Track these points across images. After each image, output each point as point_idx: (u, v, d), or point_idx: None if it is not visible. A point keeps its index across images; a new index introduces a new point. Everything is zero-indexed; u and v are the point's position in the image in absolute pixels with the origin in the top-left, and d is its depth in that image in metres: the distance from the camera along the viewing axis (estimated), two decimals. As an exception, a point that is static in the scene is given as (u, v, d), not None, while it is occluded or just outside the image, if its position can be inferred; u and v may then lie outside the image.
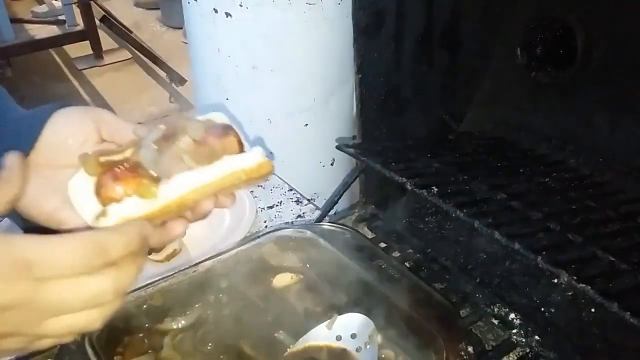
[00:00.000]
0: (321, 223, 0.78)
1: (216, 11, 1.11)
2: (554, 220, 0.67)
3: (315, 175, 1.40)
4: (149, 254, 0.86)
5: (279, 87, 1.22)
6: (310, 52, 1.20)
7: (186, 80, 3.32)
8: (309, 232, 0.73)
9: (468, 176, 0.72)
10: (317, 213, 0.98)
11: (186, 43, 3.94)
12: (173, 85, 3.42)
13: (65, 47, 3.75)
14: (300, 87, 1.24)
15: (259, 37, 1.14)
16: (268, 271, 0.74)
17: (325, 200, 1.05)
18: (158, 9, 4.68)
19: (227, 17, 1.11)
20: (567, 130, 0.85)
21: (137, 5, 4.86)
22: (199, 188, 0.49)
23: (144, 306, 0.69)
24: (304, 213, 1.03)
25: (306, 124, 1.29)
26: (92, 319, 0.46)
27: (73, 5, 3.29)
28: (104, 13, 3.40)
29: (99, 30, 3.50)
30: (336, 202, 0.86)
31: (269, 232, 0.76)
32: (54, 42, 3.33)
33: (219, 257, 0.73)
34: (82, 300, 0.44)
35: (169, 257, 0.86)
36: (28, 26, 3.30)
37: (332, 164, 1.41)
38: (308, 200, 1.07)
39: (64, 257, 0.42)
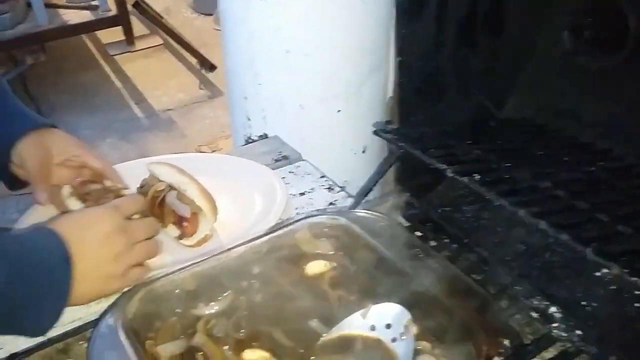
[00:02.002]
0: (356, 210, 0.76)
1: (251, -6, 1.10)
2: (602, 211, 0.64)
3: (345, 162, 1.38)
4: (180, 239, 0.86)
5: (312, 71, 1.20)
6: (345, 36, 1.17)
7: (216, 67, 3.32)
8: (343, 219, 0.72)
9: (510, 164, 0.69)
10: (350, 200, 0.97)
11: (217, 29, 3.95)
12: (203, 71, 3.43)
13: (97, 32, 3.79)
14: (334, 73, 1.22)
15: (293, 21, 1.13)
16: (301, 258, 0.73)
17: (356, 188, 1.03)
18: (189, -5, 4.69)
19: (261, 0, 1.10)
20: (614, 118, 0.81)
21: (168, -9, 4.88)
22: None
23: (177, 291, 0.68)
24: (335, 200, 1.01)
25: (338, 110, 1.27)
26: (153, 247, 0.73)
27: (106, -10, 3.31)
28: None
29: (130, 16, 3.52)
30: (371, 189, 0.84)
31: (302, 219, 0.74)
32: (87, 28, 3.36)
33: (251, 243, 0.72)
34: (146, 228, 0.73)
35: (200, 242, 0.85)
36: (61, 11, 3.34)
37: (363, 151, 1.39)
38: (340, 187, 1.05)
39: (130, 204, 0.75)
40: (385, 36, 1.26)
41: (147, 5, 3.58)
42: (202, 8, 4.58)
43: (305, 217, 0.74)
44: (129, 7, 3.39)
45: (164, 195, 0.87)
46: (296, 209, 0.99)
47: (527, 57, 0.85)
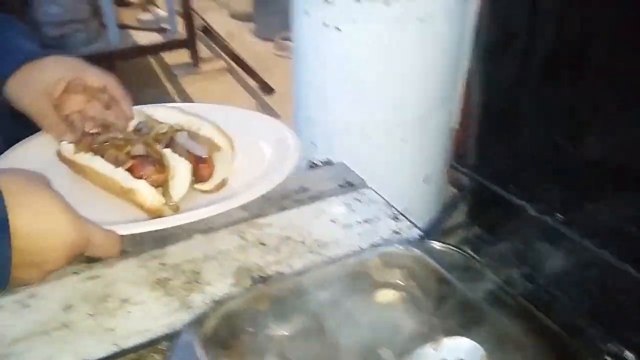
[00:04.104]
0: (429, 241, 0.76)
1: (326, 25, 1.13)
2: (688, 258, 0.62)
3: (406, 190, 1.38)
4: (197, 181, 0.83)
5: (379, 100, 1.22)
6: (415, 67, 1.19)
7: (274, 91, 3.40)
8: (416, 249, 0.72)
9: (592, 204, 0.68)
10: (415, 230, 0.97)
11: (277, 55, 4.04)
12: (262, 95, 3.52)
13: (164, 54, 3.96)
14: (401, 102, 1.23)
15: (365, 51, 1.15)
16: (371, 286, 0.73)
17: (415, 217, 1.03)
18: (252, 21, 4.83)
19: (336, 31, 1.13)
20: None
21: (232, 16, 5.05)
22: None
23: (249, 310, 0.70)
24: (400, 229, 1.02)
25: (403, 139, 1.28)
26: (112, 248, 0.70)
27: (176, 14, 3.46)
28: (204, 23, 3.55)
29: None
30: (442, 221, 0.84)
31: (373, 247, 0.75)
32: (156, 49, 3.52)
33: (323, 268, 0.73)
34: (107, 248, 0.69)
35: (218, 187, 0.83)
36: (132, 32, 3.50)
37: (423, 181, 1.39)
38: (405, 217, 1.05)
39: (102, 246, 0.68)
40: (454, 68, 1.27)
41: (213, 29, 3.72)
42: (264, 33, 4.71)
43: (377, 246, 0.75)
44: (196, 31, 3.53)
45: (171, 137, 0.81)
46: (359, 234, 1.00)
47: (609, 95, 0.84)
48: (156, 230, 0.94)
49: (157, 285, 0.83)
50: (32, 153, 0.88)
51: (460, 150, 0.99)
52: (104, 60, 3.20)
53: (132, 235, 0.95)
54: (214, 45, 3.97)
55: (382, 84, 1.19)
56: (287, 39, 4.49)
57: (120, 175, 0.80)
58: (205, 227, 0.95)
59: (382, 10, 1.10)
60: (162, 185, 0.81)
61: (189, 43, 3.53)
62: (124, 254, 0.90)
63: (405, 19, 1.11)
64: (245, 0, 4.86)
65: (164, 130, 0.82)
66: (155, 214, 0.79)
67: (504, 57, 0.79)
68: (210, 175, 0.81)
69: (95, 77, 0.85)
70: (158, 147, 0.82)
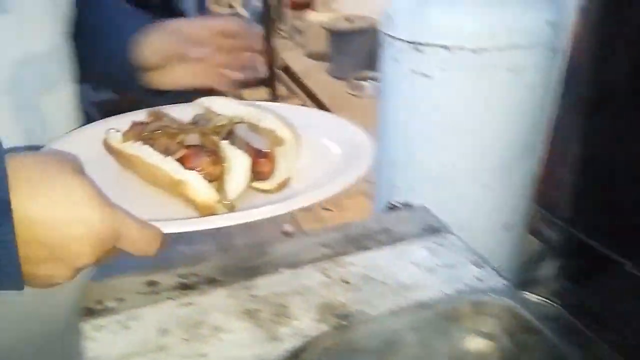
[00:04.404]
0: (522, 292, 0.76)
1: (415, 72, 1.16)
2: None
3: (487, 237, 1.36)
4: (256, 179, 0.73)
5: (465, 147, 1.23)
6: (502, 115, 1.19)
7: (348, 129, 3.46)
8: (508, 300, 0.72)
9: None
10: (499, 279, 0.96)
11: (350, 94, 4.10)
12: (335, 132, 3.59)
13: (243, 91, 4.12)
14: (487, 149, 1.23)
15: (453, 98, 1.17)
16: (461, 334, 0.74)
17: (496, 264, 1.02)
18: (327, 60, 4.96)
19: (425, 77, 1.16)
20: None
21: (308, 55, 5.20)
22: None
23: (343, 349, 0.72)
24: (483, 277, 1.01)
25: (486, 186, 1.28)
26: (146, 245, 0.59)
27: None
28: (283, 62, 3.69)
29: (274, 78, 3.81)
30: (533, 273, 0.83)
31: (464, 294, 0.76)
32: (238, 86, 3.67)
33: (413, 312, 0.74)
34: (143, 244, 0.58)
35: (280, 187, 0.72)
36: (215, 70, 3.68)
37: (505, 228, 1.37)
38: (489, 264, 1.04)
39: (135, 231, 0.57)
40: (541, 117, 1.26)
41: (292, 68, 3.85)
42: (338, 73, 4.82)
43: (468, 293, 0.75)
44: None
45: (230, 130, 0.71)
46: (442, 279, 1.00)
47: None
48: (245, 263, 0.99)
49: (247, 315, 0.87)
50: (81, 143, 0.77)
51: (547, 200, 0.98)
52: (191, 95, 3.38)
53: (222, 264, 1.00)
54: (291, 83, 4.10)
55: (468, 130, 1.20)
56: (361, 78, 4.57)
57: (169, 166, 0.69)
58: (291, 262, 0.99)
59: (472, 59, 1.12)
60: (217, 180, 0.70)
61: (269, 81, 3.67)
62: (214, 282, 0.95)
63: (494, 69, 1.13)
64: (321, 40, 5.00)
65: (222, 123, 0.72)
66: (207, 212, 0.67)
67: (599, 110, 0.79)
68: (271, 173, 0.71)
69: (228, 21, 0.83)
70: (215, 138, 0.72)
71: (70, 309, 0.92)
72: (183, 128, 0.74)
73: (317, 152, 0.80)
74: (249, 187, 0.70)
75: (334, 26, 4.77)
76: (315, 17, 5.14)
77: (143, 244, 0.57)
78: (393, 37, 1.21)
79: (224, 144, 0.70)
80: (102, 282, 0.93)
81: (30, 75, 0.74)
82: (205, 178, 0.68)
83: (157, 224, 0.59)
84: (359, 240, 1.07)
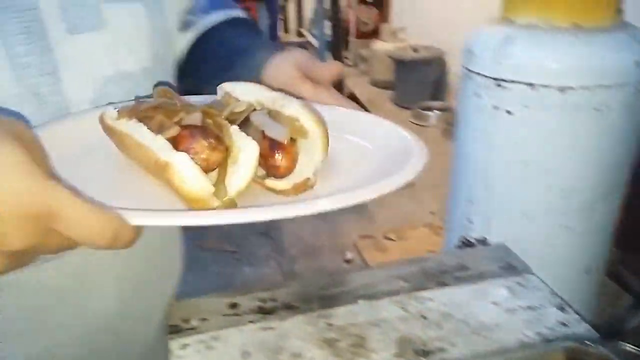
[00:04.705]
0: (619, 342, 0.73)
1: (497, 108, 1.16)
2: None
3: (567, 280, 1.33)
4: (271, 176, 0.58)
5: (546, 186, 1.21)
6: (586, 155, 1.17)
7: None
8: (604, 349, 0.70)
9: None
10: (583, 324, 0.92)
11: (413, 123, 4.12)
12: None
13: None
14: (569, 189, 1.21)
15: (536, 136, 1.16)
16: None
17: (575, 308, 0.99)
18: (391, 89, 5.00)
19: (507, 114, 1.15)
20: None
21: (372, 84, 5.26)
22: None
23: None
24: (567, 321, 0.98)
25: (567, 227, 1.25)
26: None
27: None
28: (349, 90, 3.75)
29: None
30: (627, 322, 0.80)
31: (557, 342, 0.73)
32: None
33: (500, 356, 0.73)
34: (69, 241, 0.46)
35: (298, 188, 0.57)
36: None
37: (586, 272, 1.32)
38: (573, 308, 1.01)
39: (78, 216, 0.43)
40: (625, 158, 1.23)
41: (357, 97, 3.91)
42: (402, 101, 4.85)
43: (562, 340, 0.73)
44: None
45: (247, 117, 0.58)
46: (523, 321, 0.97)
47: None
48: (322, 291, 1.01)
49: (325, 344, 0.87)
50: (83, 127, 0.65)
51: (628, 244, 0.94)
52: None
53: (300, 291, 1.02)
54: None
55: (550, 169, 1.18)
56: (425, 108, 4.57)
57: (156, 145, 0.54)
58: (368, 294, 0.99)
59: (557, 97, 1.10)
60: (216, 169, 0.56)
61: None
62: (292, 309, 0.97)
63: (580, 108, 1.11)
64: (386, 69, 5.05)
65: (240, 109, 0.58)
66: (195, 205, 0.52)
67: None
68: (288, 169, 0.56)
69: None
70: (222, 120, 0.58)
71: (157, 327, 0.96)
72: (186, 107, 0.60)
73: (353, 152, 0.66)
74: (262, 185, 0.58)
75: (399, 55, 4.82)
76: (381, 46, 5.20)
77: (89, 230, 0.44)
78: (475, 73, 1.21)
79: (233, 129, 0.56)
80: (186, 302, 0.96)
81: (118, 93, 0.74)
82: (199, 164, 0.53)
83: (122, 213, 0.46)
84: (437, 276, 1.06)
